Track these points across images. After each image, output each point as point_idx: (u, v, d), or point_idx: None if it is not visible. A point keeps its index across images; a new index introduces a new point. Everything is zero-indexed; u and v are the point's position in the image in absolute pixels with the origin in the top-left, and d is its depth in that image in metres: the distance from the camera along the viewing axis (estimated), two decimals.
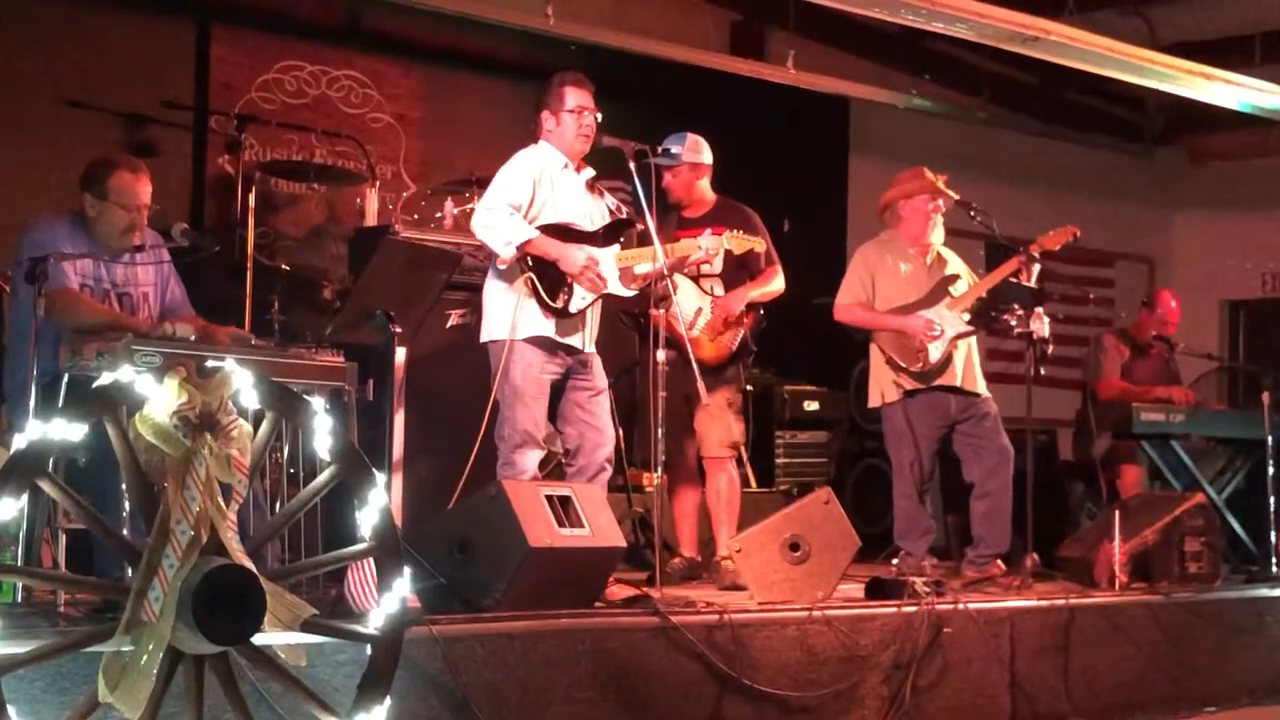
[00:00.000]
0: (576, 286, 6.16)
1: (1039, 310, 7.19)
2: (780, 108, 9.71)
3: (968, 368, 7.41)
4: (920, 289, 7.46)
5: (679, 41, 9.31)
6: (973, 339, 7.47)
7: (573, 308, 6.18)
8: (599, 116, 6.28)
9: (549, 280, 6.13)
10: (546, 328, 6.14)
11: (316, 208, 8.18)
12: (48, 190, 6.93)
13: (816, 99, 9.82)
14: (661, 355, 6.13)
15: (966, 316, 7.37)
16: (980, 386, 7.46)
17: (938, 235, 7.57)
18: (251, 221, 7.37)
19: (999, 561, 7.29)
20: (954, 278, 7.50)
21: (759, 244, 6.75)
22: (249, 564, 3.87)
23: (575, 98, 6.27)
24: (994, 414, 7.45)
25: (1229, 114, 9.88)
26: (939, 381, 7.36)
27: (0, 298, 5.83)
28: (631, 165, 6.16)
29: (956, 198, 7.50)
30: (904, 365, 7.34)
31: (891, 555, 7.42)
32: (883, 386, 7.47)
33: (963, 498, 7.65)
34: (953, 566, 7.56)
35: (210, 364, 3.91)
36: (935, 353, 7.30)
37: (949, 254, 7.65)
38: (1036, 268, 7.36)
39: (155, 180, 5.75)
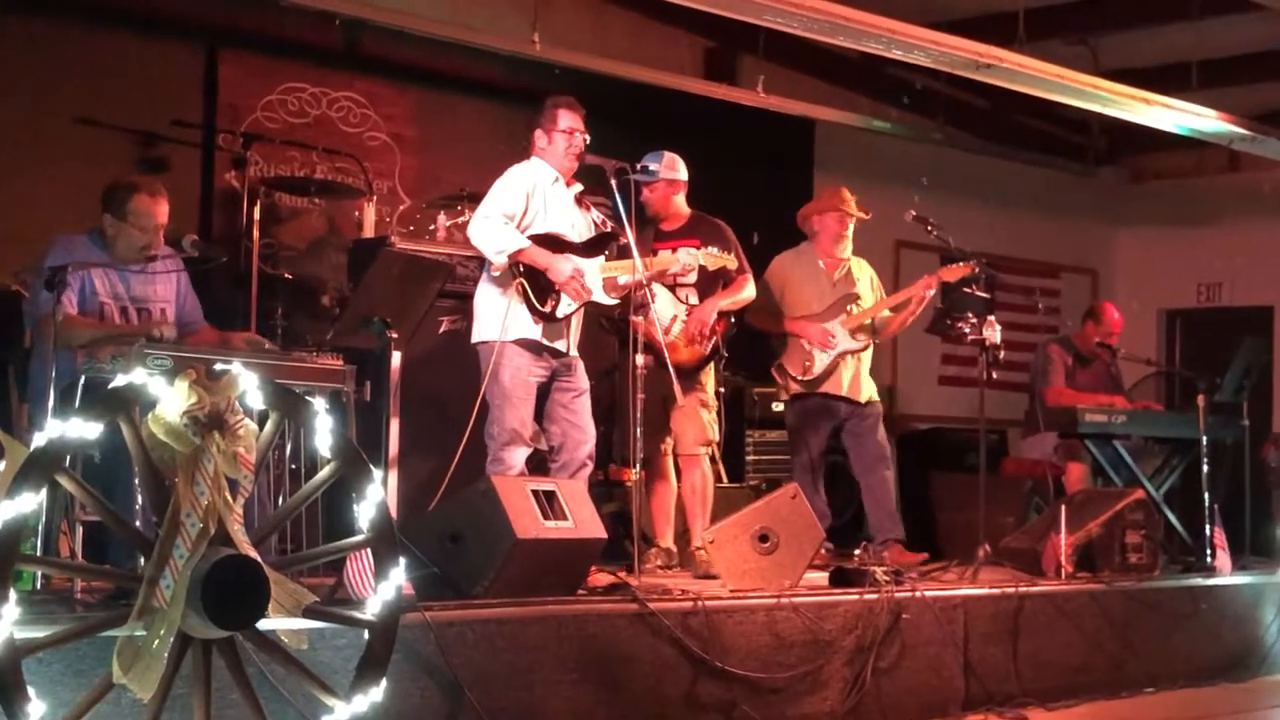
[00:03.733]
0: (563, 294, 6.16)
1: (991, 319, 7.27)
2: (750, 128, 9.70)
3: (854, 379, 7.64)
4: (823, 302, 7.67)
5: (656, 66, 9.30)
6: (867, 353, 7.67)
7: (559, 313, 6.18)
8: (588, 138, 6.29)
9: (538, 286, 6.13)
10: (534, 331, 6.14)
11: (317, 220, 8.15)
12: (64, 204, 6.88)
13: (784, 120, 9.81)
14: (640, 359, 6.13)
15: (863, 340, 7.59)
16: (866, 395, 7.66)
17: (846, 249, 7.73)
18: (256, 233, 7.37)
19: (898, 545, 7.43)
20: (856, 296, 7.67)
21: (730, 262, 6.78)
22: (254, 554, 3.86)
23: (567, 120, 6.28)
24: (876, 415, 7.71)
25: (1168, 136, 9.91)
26: (824, 389, 7.58)
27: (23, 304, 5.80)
28: (612, 182, 6.14)
29: (865, 217, 7.63)
30: (790, 372, 7.60)
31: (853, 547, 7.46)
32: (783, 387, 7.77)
33: (907, 497, 7.77)
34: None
35: (218, 367, 3.90)
36: (819, 365, 7.55)
37: (862, 271, 7.82)
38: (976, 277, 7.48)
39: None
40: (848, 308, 7.63)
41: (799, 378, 7.59)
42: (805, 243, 7.86)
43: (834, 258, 7.74)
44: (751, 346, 8.03)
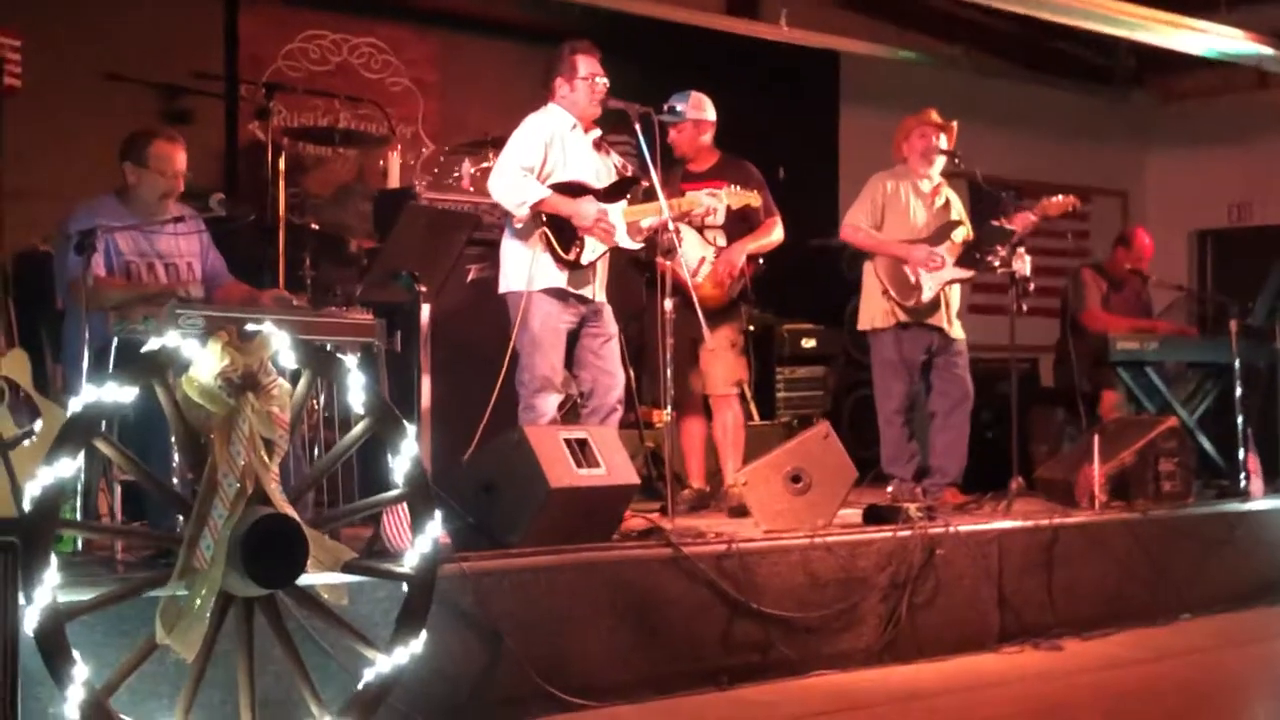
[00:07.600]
0: (588, 239, 6.15)
1: (1020, 250, 7.21)
2: (774, 62, 9.65)
3: (949, 311, 7.41)
4: (925, 229, 7.42)
5: (677, 2, 9.23)
6: (957, 286, 7.45)
7: (584, 259, 6.18)
8: (607, 81, 6.25)
9: (562, 234, 6.12)
10: (560, 279, 6.14)
11: (342, 169, 8.16)
12: (87, 159, 6.90)
13: (808, 53, 9.76)
14: (669, 304, 6.13)
15: (966, 271, 7.34)
16: (957, 330, 7.45)
17: (936, 168, 7.49)
18: (282, 184, 7.36)
19: (953, 489, 7.32)
20: (957, 224, 7.43)
21: (755, 199, 6.73)
22: (292, 512, 3.91)
23: (587, 65, 6.23)
24: (965, 354, 7.47)
25: (1196, 56, 9.82)
26: (928, 320, 7.36)
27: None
28: (636, 125, 6.12)
29: (944, 127, 7.43)
30: (898, 298, 7.31)
31: (878, 478, 7.40)
32: (874, 314, 7.43)
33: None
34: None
35: (251, 328, 3.93)
36: (928, 291, 7.28)
37: (956, 201, 7.60)
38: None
39: (190, 147, 5.82)
40: (951, 235, 7.35)
41: (907, 304, 7.29)
42: (900, 165, 7.56)
43: (928, 175, 7.45)
44: (780, 283, 8.00)
